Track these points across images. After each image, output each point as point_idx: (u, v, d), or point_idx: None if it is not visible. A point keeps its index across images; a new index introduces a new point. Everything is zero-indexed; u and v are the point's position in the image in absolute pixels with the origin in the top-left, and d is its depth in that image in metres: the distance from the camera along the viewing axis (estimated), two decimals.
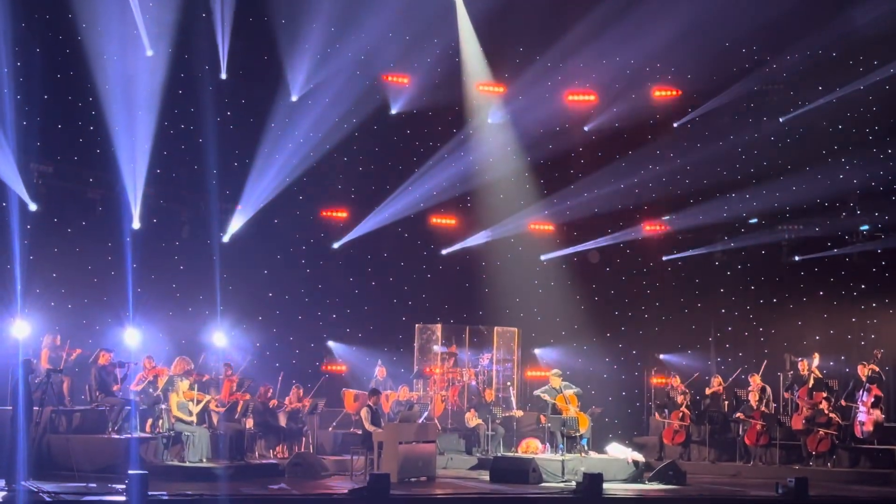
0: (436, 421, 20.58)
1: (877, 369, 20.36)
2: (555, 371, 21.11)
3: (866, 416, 20.03)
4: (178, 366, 19.29)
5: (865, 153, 24.50)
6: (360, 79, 24.83)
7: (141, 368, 19.60)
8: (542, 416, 21.36)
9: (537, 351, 25.39)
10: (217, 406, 19.19)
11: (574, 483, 17.13)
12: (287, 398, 20.49)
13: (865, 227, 24.63)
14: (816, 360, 21.25)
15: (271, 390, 20.17)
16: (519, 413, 22.71)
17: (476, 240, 25.86)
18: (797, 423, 20.56)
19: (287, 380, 21.19)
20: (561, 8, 24.68)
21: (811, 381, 20.78)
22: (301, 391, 20.75)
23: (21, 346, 18.19)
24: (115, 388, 18.80)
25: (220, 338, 22.65)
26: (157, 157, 22.60)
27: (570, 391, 20.34)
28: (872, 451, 20.11)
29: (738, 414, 20.99)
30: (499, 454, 20.46)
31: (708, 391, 21.88)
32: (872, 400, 20.02)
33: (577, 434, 19.98)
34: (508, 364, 24.33)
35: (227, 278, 23.82)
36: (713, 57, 24.65)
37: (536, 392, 20.76)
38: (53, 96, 21.78)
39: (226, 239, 24.11)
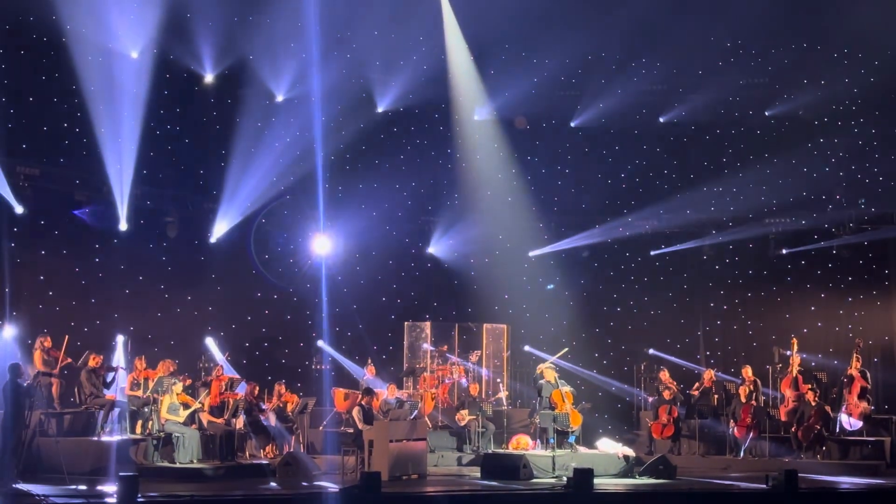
0: (426, 419, 20.56)
1: (858, 365, 20.42)
2: (548, 364, 20.85)
3: (854, 407, 20.11)
4: (164, 367, 19.23)
5: (851, 145, 24.59)
6: (346, 77, 24.79)
7: (132, 369, 19.54)
8: (535, 417, 21.31)
9: (527, 348, 25.39)
10: (207, 411, 19.08)
11: (565, 478, 17.14)
12: (273, 397, 20.39)
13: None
14: (795, 347, 21.20)
15: (257, 388, 20.08)
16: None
17: (464, 236, 25.84)
18: (783, 414, 20.66)
19: (276, 379, 21.16)
20: (546, 3, 24.65)
21: (794, 372, 20.83)
22: (283, 387, 20.63)
23: (9, 349, 18.13)
24: (107, 395, 18.65)
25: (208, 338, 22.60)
26: (144, 159, 22.54)
27: (567, 388, 20.31)
28: (861, 443, 20.16)
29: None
30: (489, 451, 20.46)
31: (696, 387, 21.86)
32: (858, 391, 20.10)
33: (570, 430, 19.97)
34: (498, 361, 24.34)
35: (214, 278, 23.81)
36: (698, 50, 24.72)
37: (539, 370, 20.59)
38: (39, 99, 21.71)
39: (213, 239, 24.07)
